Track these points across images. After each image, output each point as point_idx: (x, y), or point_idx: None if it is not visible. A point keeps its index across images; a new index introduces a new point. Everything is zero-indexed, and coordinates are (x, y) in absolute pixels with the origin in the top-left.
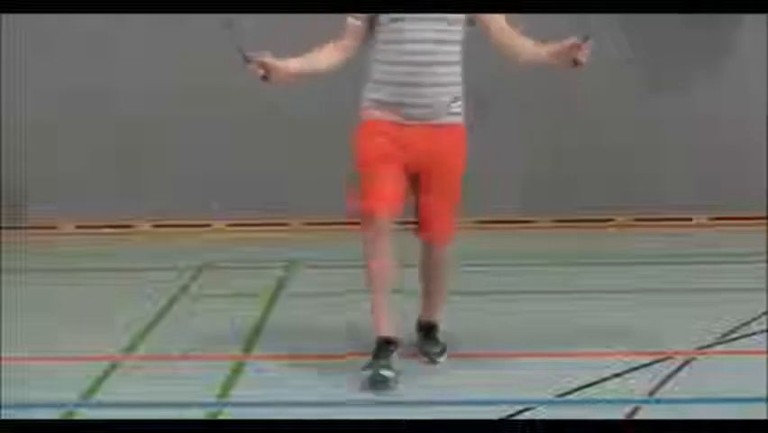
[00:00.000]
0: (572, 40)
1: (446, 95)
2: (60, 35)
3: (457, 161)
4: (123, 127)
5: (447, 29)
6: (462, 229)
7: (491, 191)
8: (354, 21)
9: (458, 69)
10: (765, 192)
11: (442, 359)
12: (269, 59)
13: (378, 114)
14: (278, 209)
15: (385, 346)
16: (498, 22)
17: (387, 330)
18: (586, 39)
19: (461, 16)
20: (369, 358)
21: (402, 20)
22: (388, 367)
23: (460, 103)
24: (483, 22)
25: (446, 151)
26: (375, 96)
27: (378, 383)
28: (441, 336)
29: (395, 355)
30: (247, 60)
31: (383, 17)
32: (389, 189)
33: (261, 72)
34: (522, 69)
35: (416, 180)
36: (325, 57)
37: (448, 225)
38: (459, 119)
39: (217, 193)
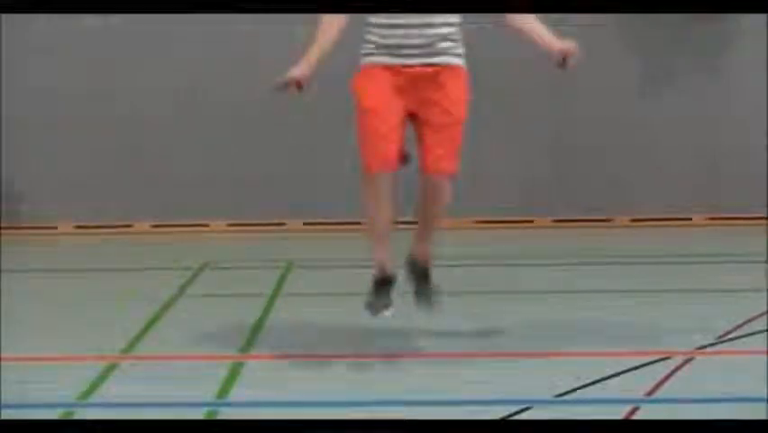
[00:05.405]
0: (565, 47)
1: (440, 34)
2: (61, 35)
3: (456, 99)
4: (124, 127)
5: None
6: (462, 229)
7: (491, 191)
8: None
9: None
10: (765, 192)
11: (436, 299)
12: (296, 74)
13: (375, 58)
14: (278, 209)
15: (386, 284)
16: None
17: (387, 268)
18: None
19: None
20: (370, 292)
21: None
22: (388, 306)
23: (459, 43)
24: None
25: (445, 90)
26: (372, 38)
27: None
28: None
29: (392, 291)
30: (282, 87)
31: None
32: (388, 144)
33: (296, 89)
34: (522, 69)
35: (416, 117)
36: (329, 29)
37: (444, 159)
38: (458, 60)
39: (217, 193)
